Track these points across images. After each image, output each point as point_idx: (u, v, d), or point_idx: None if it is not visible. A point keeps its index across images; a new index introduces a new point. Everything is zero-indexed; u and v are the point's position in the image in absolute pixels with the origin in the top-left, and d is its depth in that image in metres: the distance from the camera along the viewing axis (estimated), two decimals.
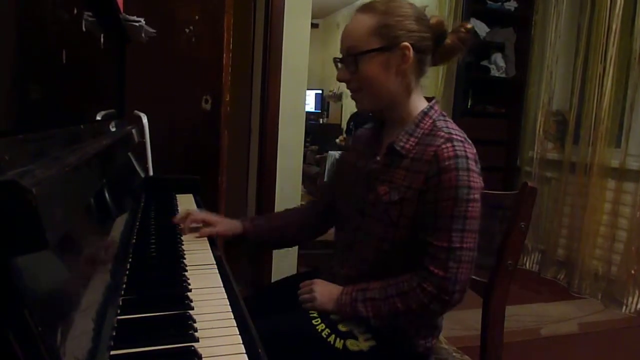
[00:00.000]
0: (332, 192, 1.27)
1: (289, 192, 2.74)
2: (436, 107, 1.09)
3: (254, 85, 2.86)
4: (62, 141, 0.71)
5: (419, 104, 1.09)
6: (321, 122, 7.10)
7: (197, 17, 2.04)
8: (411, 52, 1.03)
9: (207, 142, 2.12)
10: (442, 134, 1.02)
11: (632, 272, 2.86)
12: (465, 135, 1.05)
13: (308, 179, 3.07)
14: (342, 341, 1.01)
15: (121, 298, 0.74)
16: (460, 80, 3.54)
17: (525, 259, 3.61)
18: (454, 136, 1.02)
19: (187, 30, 2.04)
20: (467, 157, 0.99)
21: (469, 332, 2.30)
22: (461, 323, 2.42)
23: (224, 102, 2.12)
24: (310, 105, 6.91)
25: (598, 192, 3.07)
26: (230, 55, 2.15)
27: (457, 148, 0.99)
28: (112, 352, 0.59)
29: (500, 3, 3.70)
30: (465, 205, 0.98)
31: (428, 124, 1.06)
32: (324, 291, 1.08)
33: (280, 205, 2.71)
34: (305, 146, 3.01)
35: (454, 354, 1.19)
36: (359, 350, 1.01)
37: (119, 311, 0.70)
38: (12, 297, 0.38)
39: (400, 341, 1.07)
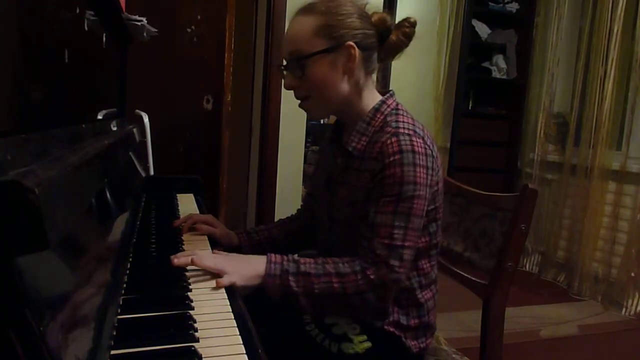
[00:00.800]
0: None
1: (289, 193, 2.74)
2: (390, 101, 1.06)
3: (255, 85, 2.86)
4: (63, 141, 0.71)
5: (371, 101, 1.07)
6: (322, 122, 7.09)
7: (199, 17, 2.04)
8: (357, 51, 1.00)
9: (208, 141, 2.12)
10: (389, 129, 0.99)
11: (632, 274, 2.86)
12: (419, 128, 1.01)
13: (309, 179, 3.06)
14: (336, 344, 1.00)
15: (121, 298, 0.74)
16: (461, 81, 3.54)
17: (525, 260, 3.61)
18: (401, 130, 0.98)
19: (189, 30, 2.04)
20: (413, 152, 0.95)
21: (469, 334, 2.30)
22: (461, 324, 2.42)
23: (225, 102, 2.12)
24: None
25: (598, 195, 3.07)
26: (232, 55, 2.15)
27: (402, 142, 0.96)
28: (113, 352, 0.59)
29: (501, 5, 3.70)
30: (410, 202, 0.95)
31: (379, 120, 1.03)
32: (234, 260, 0.95)
33: (280, 205, 2.71)
34: (306, 146, 3.01)
35: (454, 355, 1.19)
36: (355, 353, 1.00)
37: (119, 311, 0.70)
38: (13, 297, 0.38)
39: (396, 342, 1.07)
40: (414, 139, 0.97)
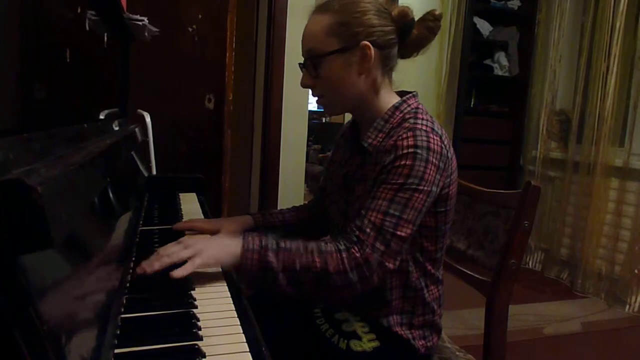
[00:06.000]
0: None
1: (291, 191, 2.74)
2: (411, 101, 1.03)
3: (257, 84, 2.86)
4: (66, 140, 0.71)
5: (389, 99, 1.04)
6: (324, 121, 7.09)
7: (200, 16, 2.04)
8: (372, 50, 0.98)
9: (210, 141, 2.12)
10: (407, 124, 0.97)
11: (636, 271, 2.86)
12: (437, 127, 0.98)
13: (311, 178, 3.06)
14: (345, 341, 1.01)
15: (125, 296, 0.75)
16: (463, 79, 3.53)
17: (528, 258, 3.61)
18: (419, 126, 0.96)
19: (190, 30, 2.04)
20: (428, 148, 0.93)
21: (472, 331, 2.30)
22: (464, 322, 2.42)
23: (227, 101, 2.12)
24: (312, 104, 6.90)
25: (601, 192, 3.06)
26: (233, 54, 2.15)
27: (418, 137, 0.94)
28: (116, 351, 0.59)
29: (503, 2, 3.69)
30: (410, 194, 0.92)
31: (398, 118, 1.01)
32: (209, 241, 0.92)
33: (283, 204, 2.71)
34: (308, 145, 3.01)
35: (457, 352, 1.19)
36: (362, 350, 1.00)
37: (122, 309, 0.70)
38: (17, 296, 0.38)
39: (403, 342, 1.07)
40: (431, 135, 0.95)
